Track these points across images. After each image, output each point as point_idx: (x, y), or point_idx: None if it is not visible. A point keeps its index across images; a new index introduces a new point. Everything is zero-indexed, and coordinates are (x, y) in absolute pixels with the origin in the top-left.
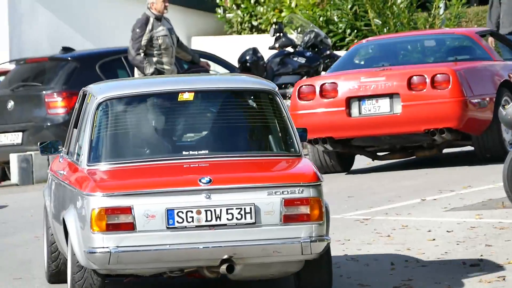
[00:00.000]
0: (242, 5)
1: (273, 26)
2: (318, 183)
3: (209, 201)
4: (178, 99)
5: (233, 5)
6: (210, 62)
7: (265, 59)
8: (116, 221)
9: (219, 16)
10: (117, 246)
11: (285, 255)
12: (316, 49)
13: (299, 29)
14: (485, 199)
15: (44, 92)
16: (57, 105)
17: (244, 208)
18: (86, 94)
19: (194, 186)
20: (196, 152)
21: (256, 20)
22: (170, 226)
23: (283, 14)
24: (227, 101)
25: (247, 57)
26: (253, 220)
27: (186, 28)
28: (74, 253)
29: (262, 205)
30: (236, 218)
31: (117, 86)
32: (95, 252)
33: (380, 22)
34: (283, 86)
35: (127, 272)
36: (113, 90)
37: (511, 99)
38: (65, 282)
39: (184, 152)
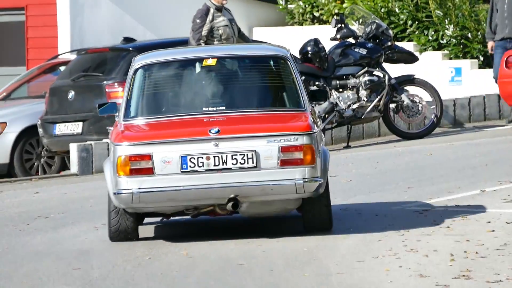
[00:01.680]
0: None
1: (335, 17)
2: (311, 132)
3: (217, 149)
4: (203, 64)
5: None
6: None
7: (327, 50)
8: (138, 166)
9: (280, 7)
10: (139, 188)
11: (282, 193)
12: (378, 40)
13: (360, 20)
14: None
15: (105, 82)
16: (118, 95)
17: (247, 154)
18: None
19: (204, 135)
20: (214, 108)
21: (318, 11)
22: (184, 170)
23: (344, 5)
24: (244, 65)
25: (309, 48)
26: (254, 164)
27: (248, 19)
28: (110, 197)
29: (262, 152)
30: (240, 163)
31: (154, 55)
32: (121, 193)
33: (442, 14)
34: (344, 77)
35: (149, 210)
36: (149, 58)
37: None
38: (126, 240)
39: (204, 108)
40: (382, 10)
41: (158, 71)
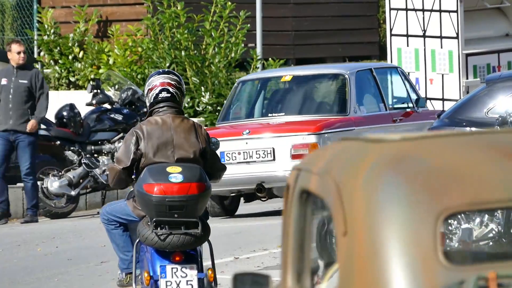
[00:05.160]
0: (60, 61)
1: (91, 82)
2: (319, 132)
3: (246, 146)
4: (281, 80)
5: (51, 61)
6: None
7: (82, 115)
8: None
9: None
10: None
11: None
12: (133, 106)
13: (116, 86)
14: None
15: None
16: None
17: (267, 150)
18: None
19: (238, 136)
20: (276, 114)
21: (74, 76)
22: (223, 163)
23: (100, 71)
24: (308, 81)
25: (64, 113)
26: (272, 158)
27: None
28: None
29: (278, 148)
30: (262, 156)
31: (250, 75)
32: None
33: (198, 81)
34: (99, 142)
35: None
36: (245, 77)
37: None
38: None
39: (269, 114)
40: (139, 76)
41: (246, 87)
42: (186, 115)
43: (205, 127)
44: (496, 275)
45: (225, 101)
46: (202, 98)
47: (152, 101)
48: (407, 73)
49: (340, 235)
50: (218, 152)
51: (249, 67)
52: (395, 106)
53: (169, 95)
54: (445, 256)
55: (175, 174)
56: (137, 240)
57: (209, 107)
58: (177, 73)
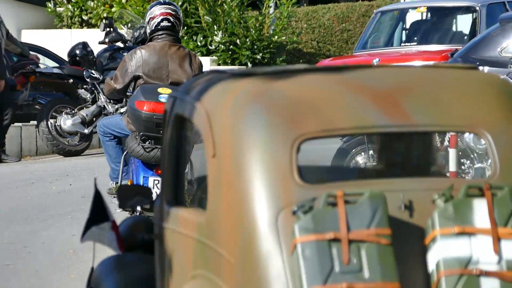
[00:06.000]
0: (72, 0)
1: (103, 21)
2: (446, 61)
3: None
4: (416, 11)
5: (64, 0)
6: (39, 55)
7: (95, 53)
8: None
9: (49, 9)
10: None
11: None
12: None
13: (129, 25)
14: None
15: None
16: None
17: None
18: None
19: (368, 64)
20: (409, 44)
21: (87, 14)
22: None
23: (113, 9)
24: (442, 13)
25: (77, 51)
26: None
27: (16, 21)
28: None
29: None
30: None
31: (390, 5)
32: None
33: (211, 20)
34: None
35: None
36: (386, 6)
37: None
38: None
39: (402, 44)
40: None
41: (384, 17)
42: (198, 53)
43: (218, 65)
44: (344, 193)
45: (238, 41)
46: (214, 37)
47: (153, 28)
48: None
49: (210, 157)
50: None
51: (262, 6)
52: None
53: (169, 24)
54: (300, 176)
55: (165, 94)
56: (125, 152)
57: (222, 46)
58: (175, 4)
